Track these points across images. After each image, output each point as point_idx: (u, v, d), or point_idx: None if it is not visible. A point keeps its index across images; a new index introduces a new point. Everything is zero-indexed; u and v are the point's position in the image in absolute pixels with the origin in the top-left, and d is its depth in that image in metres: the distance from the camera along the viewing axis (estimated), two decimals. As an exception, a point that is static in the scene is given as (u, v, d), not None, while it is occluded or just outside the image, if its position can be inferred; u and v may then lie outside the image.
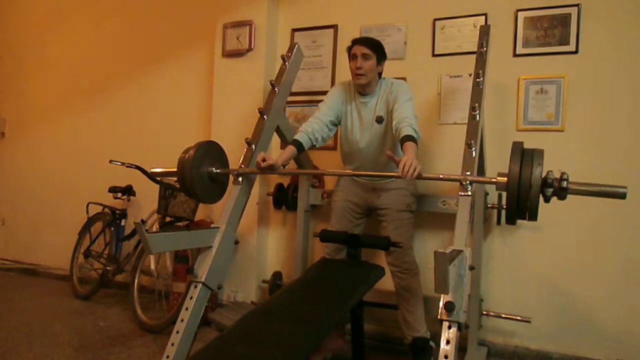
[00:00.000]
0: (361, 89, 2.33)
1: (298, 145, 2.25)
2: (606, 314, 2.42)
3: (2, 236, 4.43)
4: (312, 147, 2.33)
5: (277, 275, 3.04)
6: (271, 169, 2.11)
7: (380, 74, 2.34)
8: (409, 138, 1.99)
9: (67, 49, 4.25)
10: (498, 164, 2.40)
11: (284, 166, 2.25)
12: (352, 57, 2.29)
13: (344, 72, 3.05)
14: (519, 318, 2.48)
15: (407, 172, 1.78)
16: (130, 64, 3.91)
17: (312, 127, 2.30)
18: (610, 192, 1.49)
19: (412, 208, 2.39)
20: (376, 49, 2.27)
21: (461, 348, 2.19)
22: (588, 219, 2.46)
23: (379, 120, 2.30)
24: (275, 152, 3.23)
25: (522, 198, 1.51)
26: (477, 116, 1.86)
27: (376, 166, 2.35)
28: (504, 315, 2.53)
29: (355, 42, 2.31)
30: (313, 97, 3.14)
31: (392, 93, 2.27)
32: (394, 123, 2.15)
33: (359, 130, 2.36)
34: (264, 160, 2.09)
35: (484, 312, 2.54)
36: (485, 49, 2.08)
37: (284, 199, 3.03)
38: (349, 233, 2.16)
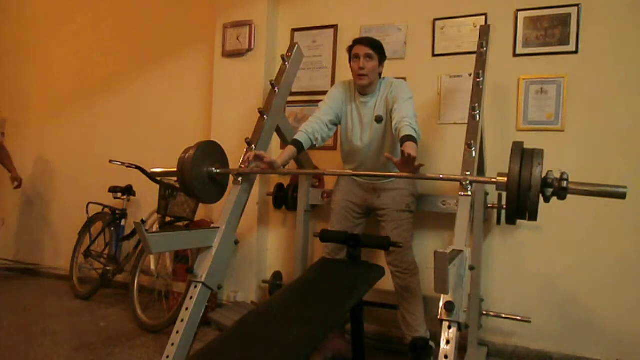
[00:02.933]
0: (362, 89, 2.33)
1: (298, 145, 2.24)
2: (606, 314, 2.42)
3: (2, 236, 4.43)
4: (312, 147, 2.33)
5: (277, 275, 3.04)
6: (271, 167, 2.11)
7: (380, 74, 2.34)
8: (409, 138, 1.97)
9: (67, 49, 4.25)
10: (498, 164, 2.41)
11: (284, 166, 2.24)
12: (354, 57, 2.28)
13: (344, 72, 3.05)
14: (519, 318, 2.48)
15: (409, 162, 1.72)
16: (130, 64, 3.91)
17: (312, 127, 2.29)
18: (610, 192, 1.49)
19: (411, 208, 2.39)
20: (378, 49, 2.28)
21: (461, 348, 2.19)
22: (588, 219, 2.46)
23: (378, 119, 2.30)
24: (275, 152, 3.23)
25: (522, 198, 1.51)
26: (477, 116, 1.86)
27: (376, 166, 2.35)
28: (504, 315, 2.53)
29: (357, 42, 2.31)
30: (313, 97, 3.14)
31: (391, 92, 2.27)
32: (393, 123, 2.14)
33: (359, 130, 2.36)
34: (257, 157, 2.07)
35: (484, 312, 2.54)
36: (485, 49, 2.08)
37: (284, 199, 3.03)
38: (349, 233, 2.16)
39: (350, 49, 2.33)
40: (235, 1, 3.25)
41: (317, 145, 2.34)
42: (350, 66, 2.31)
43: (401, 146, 1.98)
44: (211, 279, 1.91)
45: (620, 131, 2.43)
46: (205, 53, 3.49)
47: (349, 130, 2.39)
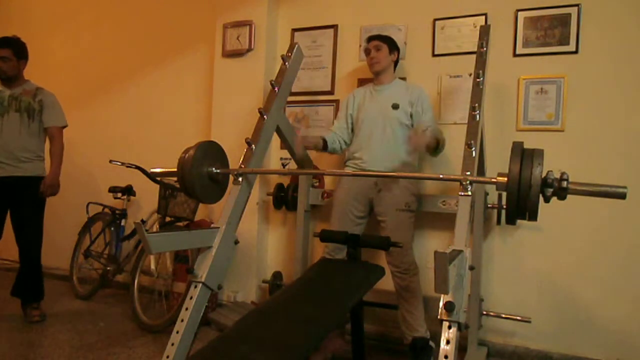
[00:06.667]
0: (377, 79, 2.55)
1: (324, 140, 2.52)
2: (606, 314, 2.42)
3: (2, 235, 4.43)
4: (333, 150, 2.59)
5: (277, 275, 3.04)
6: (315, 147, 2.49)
7: (395, 64, 2.61)
8: (433, 132, 2.29)
9: (67, 49, 4.25)
10: (498, 164, 2.41)
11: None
12: (366, 52, 2.57)
13: (344, 72, 3.07)
14: (519, 318, 2.48)
15: (415, 137, 2.14)
16: (131, 64, 3.91)
17: (332, 137, 2.57)
18: (610, 192, 1.49)
19: (411, 207, 2.39)
20: (385, 40, 2.55)
21: (461, 348, 2.19)
22: (588, 219, 2.46)
23: (395, 106, 2.45)
24: (275, 152, 3.23)
25: (522, 198, 1.51)
26: (477, 116, 1.86)
27: (387, 152, 2.43)
28: (504, 315, 2.53)
29: (368, 39, 2.59)
30: (313, 97, 3.14)
31: (412, 94, 2.47)
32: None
33: (373, 112, 2.50)
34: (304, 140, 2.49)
35: (484, 312, 2.54)
36: (485, 49, 2.08)
37: (284, 199, 3.03)
38: (349, 233, 2.16)
39: (365, 49, 2.60)
40: (235, 1, 3.25)
41: (337, 150, 2.61)
42: (367, 62, 2.59)
43: None
44: (211, 279, 1.90)
45: (620, 131, 2.43)
46: (206, 53, 3.50)
47: (363, 115, 2.52)
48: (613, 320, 2.41)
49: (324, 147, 2.53)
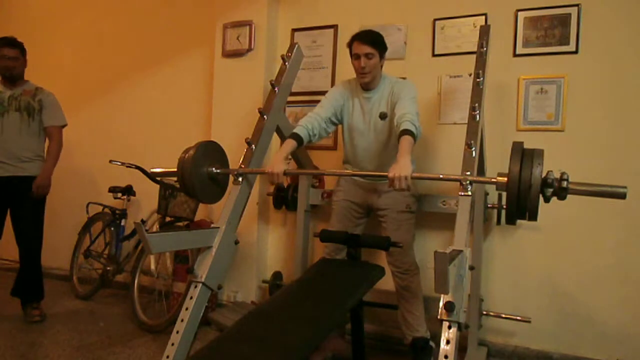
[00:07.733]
0: (365, 85, 2.35)
1: (298, 139, 2.23)
2: (606, 314, 2.42)
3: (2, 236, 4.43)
4: (309, 142, 2.32)
5: (277, 275, 3.04)
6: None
7: (382, 66, 2.35)
8: (406, 132, 1.98)
9: (67, 49, 4.25)
10: (498, 164, 2.41)
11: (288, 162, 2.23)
12: (354, 56, 2.28)
13: (344, 72, 3.06)
14: (519, 318, 2.48)
15: (396, 185, 1.82)
16: (131, 64, 3.91)
17: (312, 123, 2.29)
18: (610, 192, 1.50)
19: (412, 208, 2.39)
20: (378, 45, 2.26)
21: (461, 348, 2.19)
22: (588, 219, 2.46)
23: (382, 116, 2.31)
24: (275, 153, 3.23)
25: (522, 198, 1.51)
26: (477, 116, 1.86)
27: (379, 163, 2.36)
28: (504, 315, 2.53)
29: (356, 38, 2.27)
30: (313, 97, 3.13)
31: (395, 91, 2.29)
32: (395, 119, 2.14)
33: (362, 124, 2.37)
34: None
35: (484, 312, 2.54)
36: (485, 49, 2.08)
37: (284, 199, 3.03)
38: (349, 233, 2.16)
39: (350, 46, 2.30)
40: (235, 1, 3.25)
41: (313, 141, 2.33)
42: (352, 63, 2.31)
43: (398, 141, 1.99)
44: (211, 279, 1.91)
45: (620, 131, 2.43)
46: (206, 53, 3.49)
47: (352, 124, 2.39)
48: (613, 321, 2.40)
49: (299, 145, 2.25)
